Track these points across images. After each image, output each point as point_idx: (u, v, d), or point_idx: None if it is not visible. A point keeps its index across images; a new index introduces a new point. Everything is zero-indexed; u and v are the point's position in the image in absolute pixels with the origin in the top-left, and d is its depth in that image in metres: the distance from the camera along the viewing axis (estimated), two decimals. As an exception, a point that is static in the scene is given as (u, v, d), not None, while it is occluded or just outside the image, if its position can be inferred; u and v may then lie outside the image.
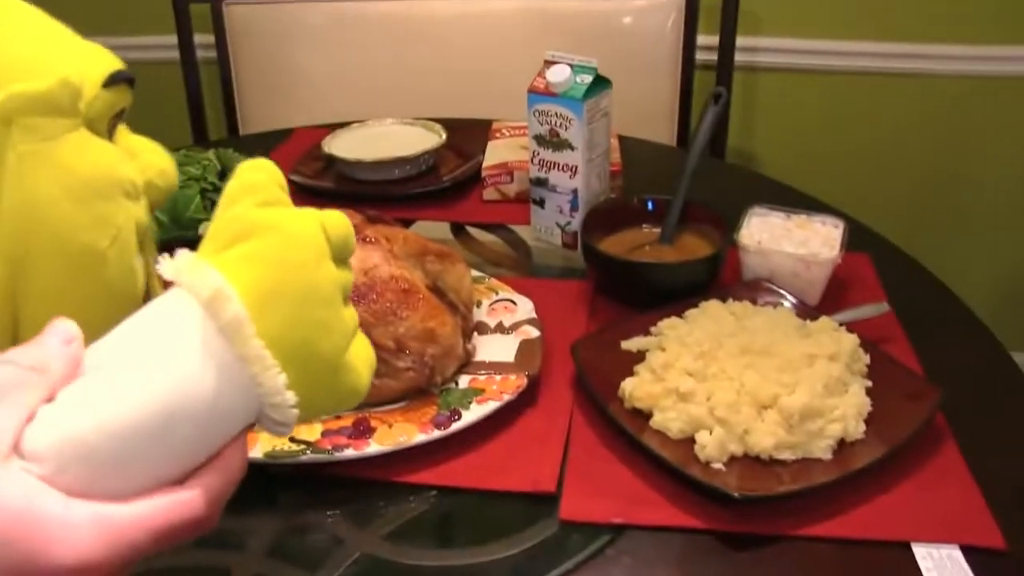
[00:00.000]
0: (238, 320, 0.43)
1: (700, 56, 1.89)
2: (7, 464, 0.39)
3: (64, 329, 0.44)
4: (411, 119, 1.43)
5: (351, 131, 1.41)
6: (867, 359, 0.89)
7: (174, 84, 2.01)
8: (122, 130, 0.57)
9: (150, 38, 2.06)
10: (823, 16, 1.95)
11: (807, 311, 0.96)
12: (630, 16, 1.88)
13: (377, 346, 0.81)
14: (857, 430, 0.80)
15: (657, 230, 1.09)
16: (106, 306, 0.50)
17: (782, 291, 0.98)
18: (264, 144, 1.52)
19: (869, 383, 0.86)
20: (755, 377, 0.82)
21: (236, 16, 1.96)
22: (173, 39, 1.97)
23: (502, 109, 1.60)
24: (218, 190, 1.23)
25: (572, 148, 1.08)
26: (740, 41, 1.86)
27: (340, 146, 1.35)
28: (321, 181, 1.32)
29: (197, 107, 2.03)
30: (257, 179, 0.48)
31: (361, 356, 0.52)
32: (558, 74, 1.07)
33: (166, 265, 0.45)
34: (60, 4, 0.59)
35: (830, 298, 1.01)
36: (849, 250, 1.02)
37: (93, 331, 0.45)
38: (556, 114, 1.08)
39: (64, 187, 0.49)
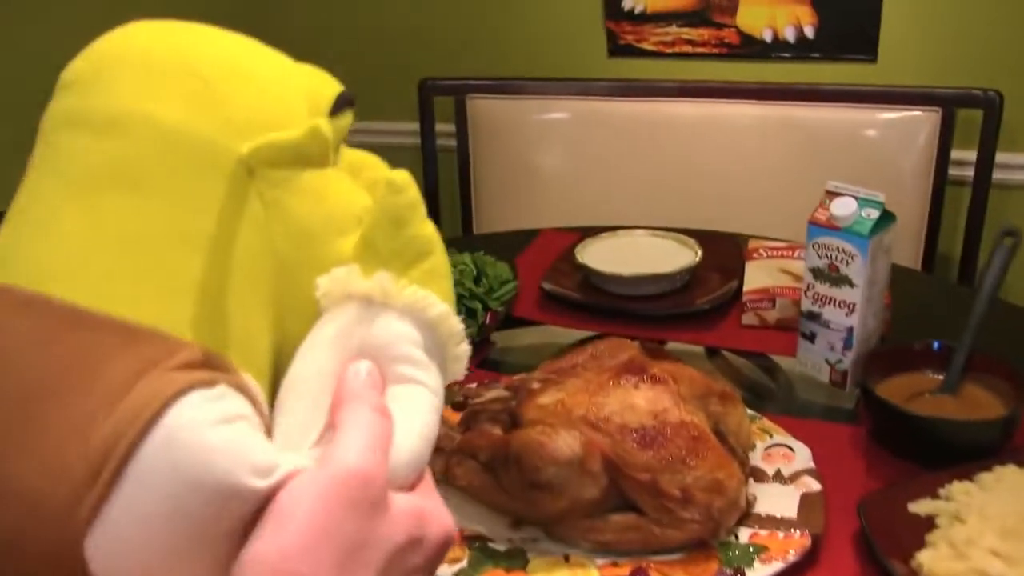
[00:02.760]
0: (459, 332, 0.52)
1: (953, 171, 1.80)
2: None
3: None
4: (663, 231, 1.42)
5: (602, 240, 1.40)
6: None
7: (412, 170, 2.08)
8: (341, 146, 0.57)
9: (392, 124, 2.15)
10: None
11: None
12: (874, 129, 1.82)
13: (664, 495, 0.79)
14: None
15: (938, 376, 1.03)
16: None
17: (1092, 460, 0.90)
18: (510, 244, 1.53)
19: None
20: (1076, 567, 0.75)
21: (479, 109, 2.02)
22: (415, 126, 2.04)
23: (743, 218, 1.57)
24: (474, 296, 1.24)
25: (852, 285, 1.04)
26: (997, 157, 1.77)
27: (592, 256, 1.35)
28: (569, 290, 1.32)
29: (432, 196, 2.09)
30: (416, 196, 0.51)
31: None
32: (843, 207, 1.03)
33: (371, 284, 0.49)
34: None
35: None
36: None
37: None
38: (838, 248, 1.04)
39: (305, 230, 0.50)
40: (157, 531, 0.39)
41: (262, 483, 0.41)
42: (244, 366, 0.47)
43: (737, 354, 1.21)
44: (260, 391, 0.47)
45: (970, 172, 1.80)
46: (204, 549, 0.40)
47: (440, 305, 0.50)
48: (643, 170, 1.93)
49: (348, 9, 2.24)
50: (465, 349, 0.53)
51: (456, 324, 0.51)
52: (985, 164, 1.75)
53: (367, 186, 0.55)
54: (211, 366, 0.43)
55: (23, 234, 0.45)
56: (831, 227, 1.04)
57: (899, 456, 0.97)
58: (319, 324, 0.50)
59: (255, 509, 0.41)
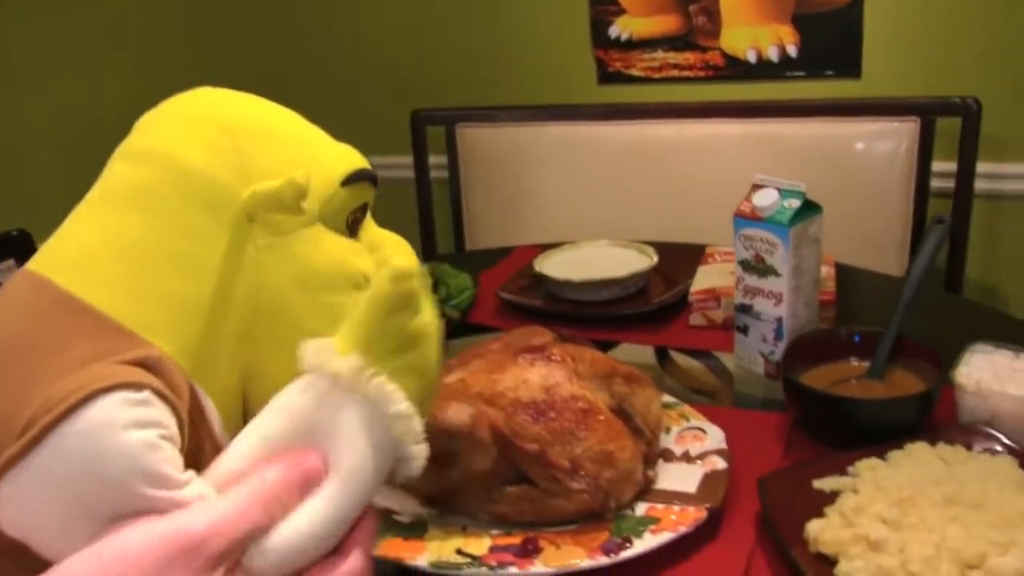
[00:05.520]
0: (418, 434, 0.51)
1: (937, 183, 1.80)
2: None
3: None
4: (625, 241, 1.44)
5: (564, 251, 1.43)
6: (1107, 524, 0.79)
7: (408, 201, 2.13)
8: (368, 223, 0.61)
9: (388, 158, 2.20)
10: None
11: (1033, 462, 0.86)
12: (855, 141, 1.82)
13: (552, 465, 0.81)
14: (1086, 605, 0.71)
15: (867, 364, 1.03)
16: None
17: (1003, 437, 0.90)
18: (486, 260, 1.57)
19: (1109, 553, 0.76)
20: (959, 531, 0.74)
21: (468, 138, 2.06)
22: (409, 159, 2.10)
23: (723, 234, 1.57)
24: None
25: (777, 275, 1.05)
26: (982, 167, 1.75)
27: (552, 265, 1.37)
28: (529, 299, 1.35)
29: (428, 223, 2.13)
30: (412, 289, 0.51)
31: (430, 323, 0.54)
32: (765, 198, 1.05)
33: (341, 366, 0.49)
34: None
35: (1066, 450, 0.91)
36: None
37: None
38: (762, 239, 1.05)
39: (293, 278, 0.54)
40: (53, 501, 0.44)
41: (152, 491, 0.44)
42: (204, 384, 0.52)
43: (688, 355, 1.21)
44: (213, 408, 0.52)
45: (954, 183, 1.79)
46: (88, 527, 0.44)
47: (402, 404, 0.50)
48: (632, 190, 1.95)
49: (341, 46, 2.32)
50: (421, 450, 0.52)
51: (415, 426, 0.51)
52: (966, 172, 1.74)
53: (379, 263, 0.57)
54: (159, 371, 0.48)
55: (59, 234, 0.54)
56: (754, 218, 1.06)
57: (822, 441, 0.97)
58: (289, 389, 0.50)
59: (141, 510, 0.44)
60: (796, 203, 1.04)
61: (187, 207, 0.52)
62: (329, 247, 0.56)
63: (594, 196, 1.98)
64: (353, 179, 0.57)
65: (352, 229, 0.58)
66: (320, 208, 0.56)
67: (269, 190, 0.52)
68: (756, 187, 1.08)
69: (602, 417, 0.84)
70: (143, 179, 0.53)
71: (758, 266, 1.07)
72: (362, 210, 0.59)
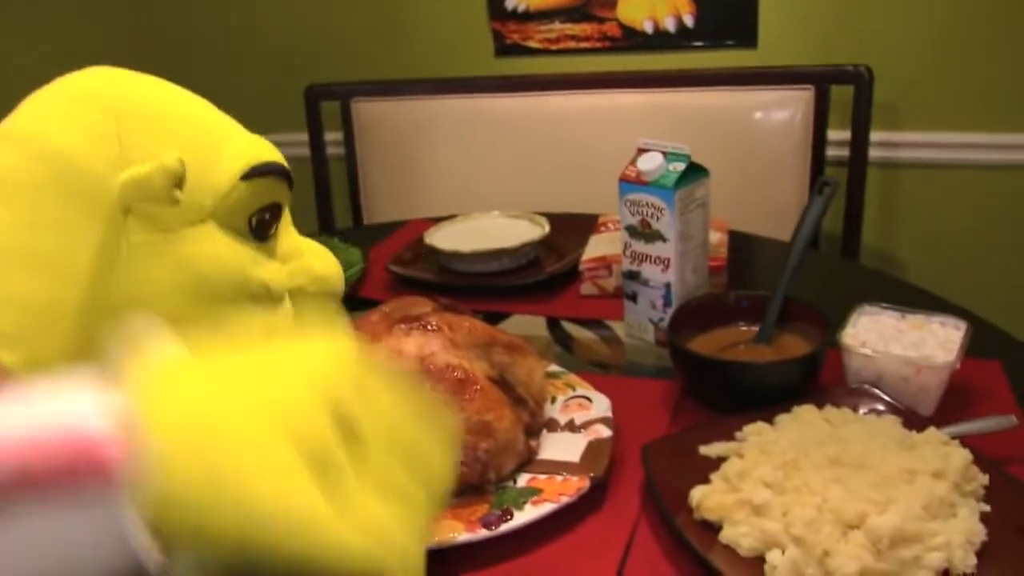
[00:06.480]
0: None
1: (833, 152, 1.80)
2: None
3: None
4: (518, 212, 1.41)
5: (456, 223, 1.40)
6: (985, 480, 0.78)
7: (304, 179, 2.07)
8: (288, 230, 0.55)
9: (283, 135, 2.13)
10: (969, 108, 1.83)
11: (916, 421, 0.86)
12: (760, 110, 1.82)
13: (427, 438, 0.77)
14: (965, 562, 0.69)
15: (755, 329, 1.02)
16: None
17: (888, 398, 0.89)
18: (381, 234, 1.53)
19: (986, 507, 0.75)
20: (841, 492, 0.73)
21: (364, 112, 2.01)
22: (304, 135, 2.03)
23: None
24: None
25: (664, 240, 1.03)
26: (876, 136, 1.76)
27: (443, 238, 1.34)
28: (421, 272, 1.31)
29: (325, 200, 2.08)
30: None
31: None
32: (649, 162, 1.02)
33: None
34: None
35: (948, 409, 0.91)
36: (980, 356, 0.92)
37: None
38: (647, 204, 1.03)
39: (175, 281, 0.48)
40: None
41: None
42: None
43: (581, 326, 1.19)
44: None
45: (849, 151, 1.80)
46: None
47: None
48: (531, 162, 1.93)
49: (231, 19, 2.25)
50: None
51: None
52: (860, 140, 1.74)
53: (293, 274, 0.53)
54: None
55: None
56: (639, 182, 1.03)
57: (710, 407, 0.96)
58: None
59: None
60: (681, 166, 1.02)
61: (53, 198, 0.46)
62: (221, 249, 0.49)
63: (493, 169, 1.95)
64: (256, 173, 0.51)
65: (258, 232, 0.52)
66: (213, 203, 0.49)
67: (137, 176, 0.46)
68: (641, 151, 1.05)
69: (479, 387, 0.81)
70: (9, 165, 0.47)
71: (645, 231, 1.04)
72: (271, 211, 0.52)
